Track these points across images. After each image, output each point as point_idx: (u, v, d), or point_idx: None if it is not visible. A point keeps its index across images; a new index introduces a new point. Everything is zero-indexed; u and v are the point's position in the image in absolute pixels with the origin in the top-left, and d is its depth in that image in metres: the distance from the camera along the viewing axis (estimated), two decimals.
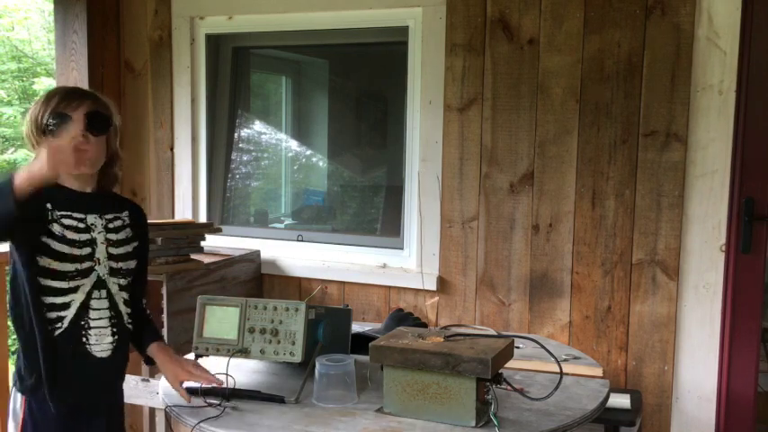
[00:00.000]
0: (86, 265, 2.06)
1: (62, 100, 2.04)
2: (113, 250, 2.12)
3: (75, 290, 2.05)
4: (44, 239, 2.01)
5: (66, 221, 2.05)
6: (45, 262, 2.01)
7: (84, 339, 2.07)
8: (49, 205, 2.04)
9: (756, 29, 2.77)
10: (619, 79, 2.87)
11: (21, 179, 1.86)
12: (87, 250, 2.07)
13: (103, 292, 2.08)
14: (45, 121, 2.01)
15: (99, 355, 2.09)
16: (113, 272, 2.11)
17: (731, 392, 2.85)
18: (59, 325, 2.04)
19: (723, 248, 2.80)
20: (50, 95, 2.06)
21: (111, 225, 2.13)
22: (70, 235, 2.05)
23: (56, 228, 2.02)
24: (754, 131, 2.80)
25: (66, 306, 2.04)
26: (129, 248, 2.16)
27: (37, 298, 2.02)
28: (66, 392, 2.08)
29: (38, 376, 2.05)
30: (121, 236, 2.15)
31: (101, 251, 2.09)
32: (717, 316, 2.82)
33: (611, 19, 2.86)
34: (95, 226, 2.10)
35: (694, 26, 2.76)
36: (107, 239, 2.11)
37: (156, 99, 3.66)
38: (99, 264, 2.08)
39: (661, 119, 2.83)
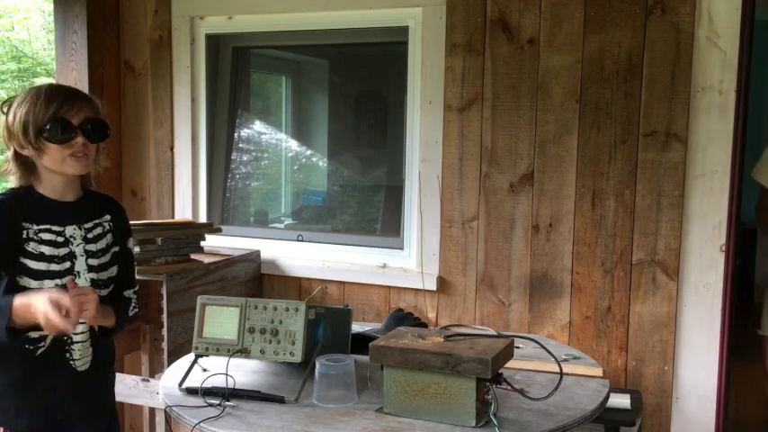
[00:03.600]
0: (66, 279, 1.98)
1: (63, 104, 1.96)
2: (93, 261, 2.07)
3: None
4: (21, 260, 1.95)
5: (44, 236, 1.98)
6: (24, 282, 1.96)
7: (67, 355, 2.04)
8: (24, 223, 1.96)
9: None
10: (619, 79, 2.87)
11: (21, 319, 1.84)
12: (66, 265, 2.01)
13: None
14: (45, 125, 1.94)
15: (80, 368, 2.08)
16: (94, 284, 2.06)
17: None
18: (42, 344, 2.01)
19: (723, 248, 2.80)
20: (50, 96, 1.97)
21: (90, 235, 2.08)
22: (48, 251, 1.98)
23: (31, 246, 1.96)
24: (754, 131, 2.80)
25: None
26: (109, 256, 2.11)
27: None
28: (45, 410, 2.04)
29: (16, 398, 2.01)
30: (101, 244, 2.10)
31: (80, 264, 2.04)
32: (717, 316, 2.82)
33: (611, 19, 2.86)
34: (74, 238, 2.04)
35: (694, 26, 2.76)
36: (86, 251, 2.06)
37: (156, 99, 3.66)
38: (79, 277, 2.03)
39: (661, 119, 2.83)
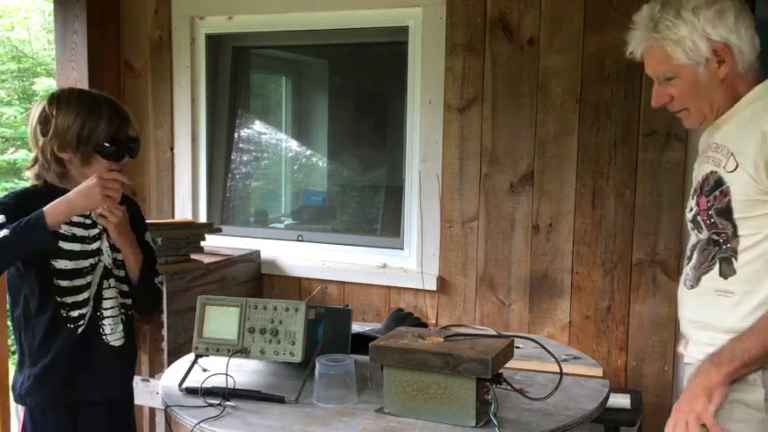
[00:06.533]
0: (97, 258, 2.12)
1: (120, 124, 2.07)
2: (111, 241, 2.16)
3: (89, 285, 2.10)
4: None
5: (75, 218, 2.07)
6: (61, 264, 2.05)
7: (101, 330, 2.12)
8: None
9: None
10: (619, 79, 2.87)
11: (56, 214, 1.90)
12: (96, 245, 2.12)
13: (111, 281, 2.14)
14: (104, 142, 2.04)
15: (114, 344, 2.14)
16: (116, 263, 2.16)
17: None
18: (82, 322, 2.09)
19: None
20: (111, 114, 2.06)
21: None
22: (79, 232, 2.09)
23: (64, 228, 2.05)
24: None
25: (86, 302, 2.08)
26: None
27: (56, 300, 2.04)
28: (81, 387, 2.10)
29: (53, 379, 2.06)
30: None
31: (104, 243, 2.14)
32: None
33: (611, 19, 2.86)
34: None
35: None
36: (107, 231, 2.14)
37: (156, 99, 3.66)
38: (103, 254, 2.13)
39: (661, 119, 2.82)
